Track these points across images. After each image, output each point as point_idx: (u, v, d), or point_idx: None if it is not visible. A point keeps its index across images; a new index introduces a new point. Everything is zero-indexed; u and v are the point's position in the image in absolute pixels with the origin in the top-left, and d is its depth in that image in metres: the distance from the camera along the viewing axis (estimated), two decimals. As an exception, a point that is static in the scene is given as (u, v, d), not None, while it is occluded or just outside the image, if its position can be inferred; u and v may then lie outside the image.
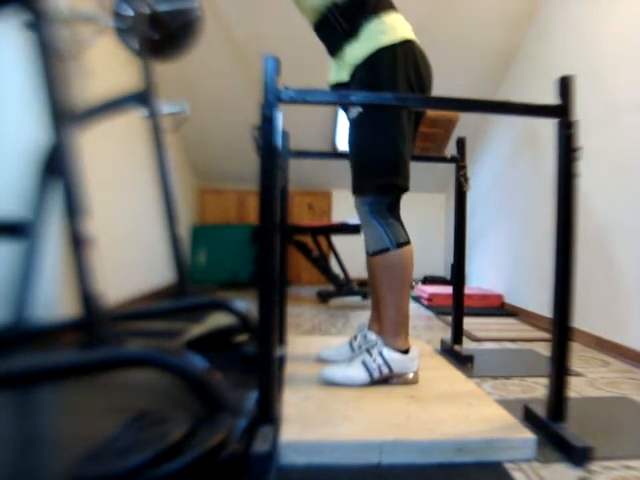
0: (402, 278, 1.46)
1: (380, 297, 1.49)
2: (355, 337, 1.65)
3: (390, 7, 1.50)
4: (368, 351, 1.47)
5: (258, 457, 0.97)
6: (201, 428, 0.95)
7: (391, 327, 1.47)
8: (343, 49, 1.48)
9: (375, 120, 1.44)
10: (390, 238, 1.44)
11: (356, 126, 1.48)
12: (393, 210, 1.49)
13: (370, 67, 1.43)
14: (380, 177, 1.43)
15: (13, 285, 1.37)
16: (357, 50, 1.44)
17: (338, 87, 1.55)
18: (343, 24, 1.44)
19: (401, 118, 1.44)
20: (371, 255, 1.49)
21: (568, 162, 1.17)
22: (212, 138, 4.08)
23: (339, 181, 4.82)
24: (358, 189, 1.48)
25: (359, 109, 1.45)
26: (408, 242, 1.48)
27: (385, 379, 1.46)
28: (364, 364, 1.44)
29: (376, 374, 1.44)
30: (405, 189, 1.48)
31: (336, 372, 1.45)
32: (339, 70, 1.53)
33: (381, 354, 1.44)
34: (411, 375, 1.48)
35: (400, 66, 1.43)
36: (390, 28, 1.44)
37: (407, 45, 1.46)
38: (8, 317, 1.36)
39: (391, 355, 1.45)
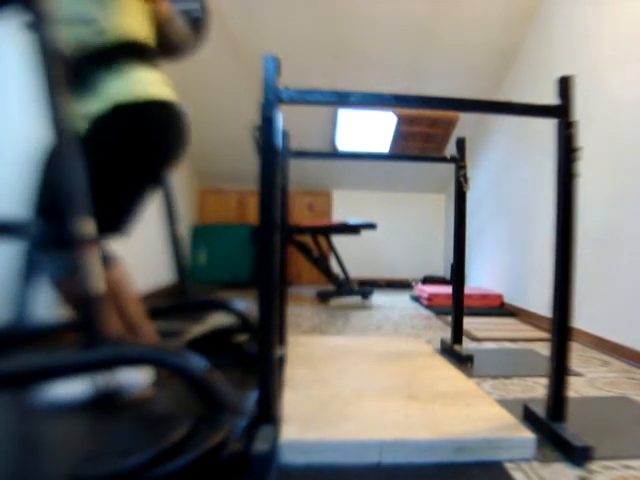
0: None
1: None
2: None
3: (140, 61, 1.28)
4: None
5: (258, 457, 0.97)
6: (201, 428, 0.95)
7: None
8: (83, 98, 1.24)
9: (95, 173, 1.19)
10: None
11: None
12: None
13: (103, 125, 1.23)
14: None
15: (13, 285, 1.37)
16: (94, 104, 1.23)
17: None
18: (73, 76, 1.18)
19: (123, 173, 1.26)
20: None
21: (568, 162, 1.17)
22: (212, 138, 4.08)
23: (339, 181, 4.82)
24: None
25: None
26: None
27: None
28: None
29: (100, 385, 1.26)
30: None
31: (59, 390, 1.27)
32: (79, 118, 1.24)
33: None
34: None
35: (132, 130, 1.25)
36: (135, 85, 1.24)
37: (152, 106, 1.27)
38: (8, 317, 1.36)
39: None
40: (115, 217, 1.34)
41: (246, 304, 1.76)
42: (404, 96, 1.35)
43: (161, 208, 1.78)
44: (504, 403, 1.37)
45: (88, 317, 1.09)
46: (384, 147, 4.36)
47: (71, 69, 1.21)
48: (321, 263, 3.80)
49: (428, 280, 4.63)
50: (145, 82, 1.27)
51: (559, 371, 1.19)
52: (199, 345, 1.58)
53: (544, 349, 2.12)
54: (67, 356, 1.06)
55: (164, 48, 1.46)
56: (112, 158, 1.25)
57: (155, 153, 1.32)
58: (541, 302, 2.85)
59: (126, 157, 1.27)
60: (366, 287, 3.99)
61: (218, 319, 1.87)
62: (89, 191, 1.17)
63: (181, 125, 1.34)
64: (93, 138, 1.23)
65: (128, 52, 1.27)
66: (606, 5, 2.32)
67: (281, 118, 1.15)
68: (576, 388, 1.63)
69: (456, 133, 4.01)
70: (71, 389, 1.22)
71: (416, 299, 3.87)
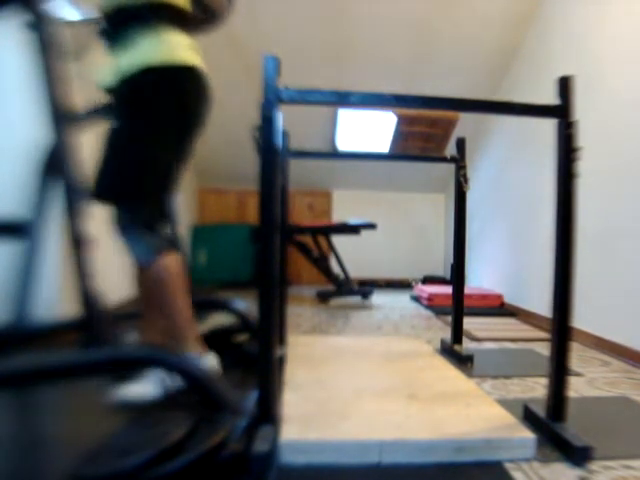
0: (168, 287, 1.29)
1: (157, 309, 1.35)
2: None
3: (175, 24, 1.33)
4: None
5: (258, 457, 0.97)
6: (201, 428, 0.95)
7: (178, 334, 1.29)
8: (116, 54, 1.32)
9: (133, 134, 1.30)
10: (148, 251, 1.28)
11: (114, 136, 1.33)
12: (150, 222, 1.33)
13: (133, 85, 1.29)
14: (121, 196, 1.27)
15: (13, 285, 1.37)
16: (125, 61, 1.29)
17: (109, 91, 1.37)
18: (111, 31, 1.30)
19: (163, 137, 1.32)
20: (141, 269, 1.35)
21: (568, 162, 1.17)
22: (212, 138, 4.07)
23: (339, 181, 4.82)
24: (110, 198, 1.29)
25: (120, 121, 1.32)
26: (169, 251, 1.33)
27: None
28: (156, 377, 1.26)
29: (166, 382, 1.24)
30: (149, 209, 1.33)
31: (127, 391, 1.23)
32: (110, 73, 1.34)
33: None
34: None
35: (164, 92, 1.30)
36: (166, 47, 1.29)
37: (181, 70, 1.32)
38: (8, 317, 1.36)
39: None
40: (153, 177, 1.35)
41: (246, 304, 1.76)
42: (404, 96, 1.35)
43: (161, 208, 1.78)
44: (504, 403, 1.37)
45: (90, 317, 1.09)
46: (384, 147, 4.36)
47: (107, 23, 1.30)
48: (321, 263, 3.80)
49: (428, 280, 4.63)
50: (176, 45, 1.32)
51: (559, 371, 1.19)
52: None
53: (544, 349, 2.12)
54: (67, 356, 1.06)
55: (201, 13, 1.49)
56: (141, 117, 1.30)
57: (182, 115, 1.37)
58: (541, 302, 2.85)
59: (155, 117, 1.31)
60: (366, 287, 3.99)
61: (218, 319, 1.87)
62: (122, 152, 1.27)
63: (206, 91, 1.41)
64: (123, 96, 1.31)
65: (163, 14, 1.31)
66: (606, 5, 2.32)
67: (281, 118, 1.15)
68: (576, 388, 1.62)
69: (456, 133, 4.01)
70: (138, 389, 1.19)
71: (416, 299, 3.87)
